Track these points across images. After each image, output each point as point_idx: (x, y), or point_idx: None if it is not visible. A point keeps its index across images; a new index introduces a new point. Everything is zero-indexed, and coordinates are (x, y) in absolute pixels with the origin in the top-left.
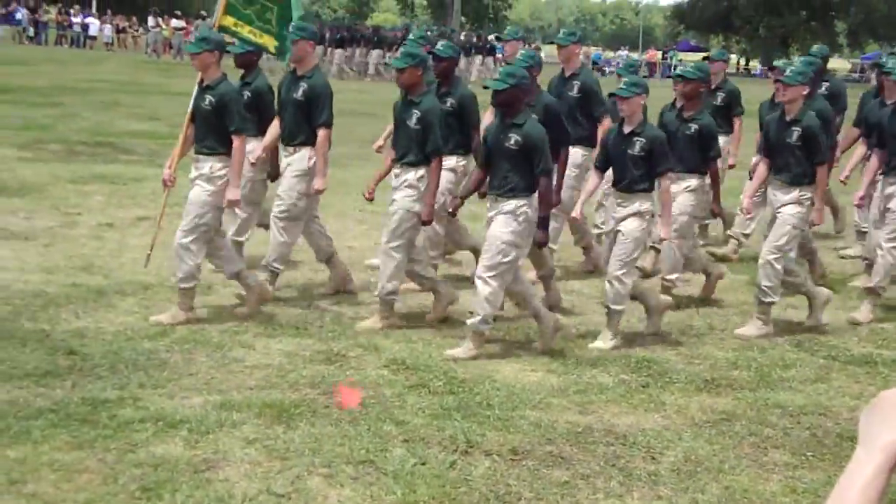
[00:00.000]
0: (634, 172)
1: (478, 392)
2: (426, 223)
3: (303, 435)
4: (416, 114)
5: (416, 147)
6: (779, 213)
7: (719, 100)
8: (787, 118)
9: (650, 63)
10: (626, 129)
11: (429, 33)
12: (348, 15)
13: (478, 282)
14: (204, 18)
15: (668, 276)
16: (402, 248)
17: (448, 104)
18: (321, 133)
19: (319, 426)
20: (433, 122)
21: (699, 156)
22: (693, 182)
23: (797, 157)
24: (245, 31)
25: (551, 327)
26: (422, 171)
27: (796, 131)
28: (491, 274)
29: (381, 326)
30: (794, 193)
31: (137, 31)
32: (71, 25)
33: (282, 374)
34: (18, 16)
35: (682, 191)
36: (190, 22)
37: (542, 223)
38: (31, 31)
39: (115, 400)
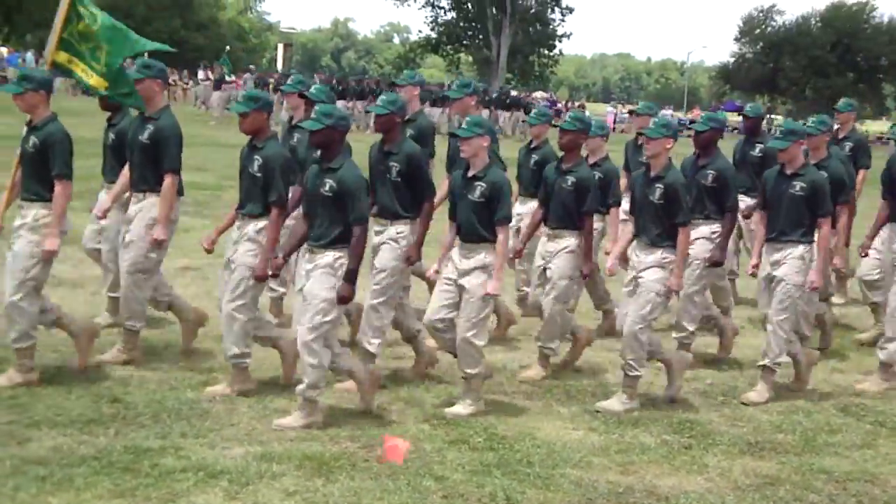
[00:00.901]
0: (656, 220)
1: (518, 449)
2: (258, 279)
3: (342, 488)
4: (257, 160)
5: (257, 196)
6: (640, 277)
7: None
8: (651, 174)
9: (694, 122)
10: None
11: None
12: (394, 70)
13: (301, 350)
14: (252, 72)
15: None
16: (247, 307)
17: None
18: (167, 179)
19: (359, 480)
20: (276, 170)
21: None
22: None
23: (659, 216)
24: (79, 69)
25: (366, 382)
26: (262, 223)
27: (659, 189)
28: (313, 336)
29: (235, 392)
30: (656, 255)
31: (187, 83)
32: None
33: (322, 426)
34: None
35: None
36: (240, 75)
37: (349, 276)
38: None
39: (157, 449)
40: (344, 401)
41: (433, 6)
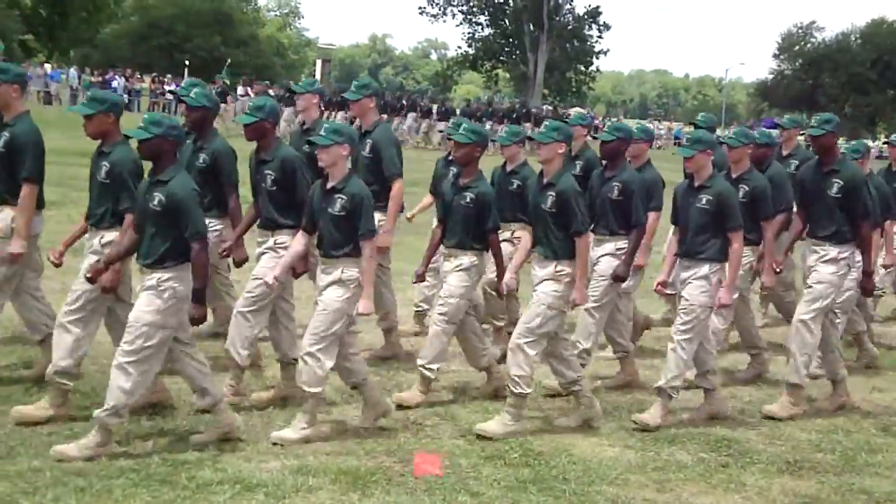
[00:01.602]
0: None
1: (554, 465)
2: (106, 291)
3: (378, 503)
4: (105, 166)
5: (106, 204)
6: (535, 290)
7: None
8: (544, 181)
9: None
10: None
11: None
12: (432, 87)
13: (113, 370)
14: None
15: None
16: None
17: (201, 159)
18: (25, 189)
19: (395, 494)
20: (123, 175)
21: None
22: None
23: (553, 226)
24: None
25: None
26: (112, 235)
27: (550, 196)
28: (131, 360)
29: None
30: (550, 268)
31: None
32: (164, 93)
33: (358, 440)
34: (115, 84)
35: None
36: (276, 89)
37: (196, 296)
38: (126, 99)
39: (194, 461)
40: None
41: (471, 22)
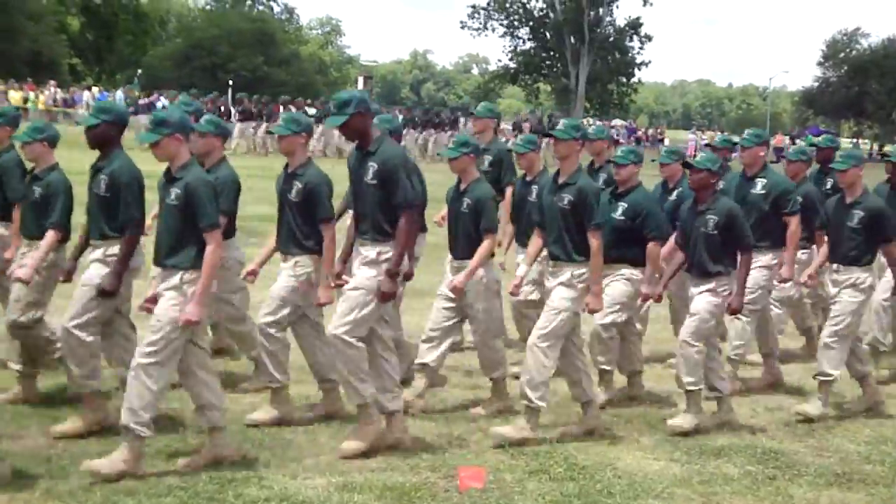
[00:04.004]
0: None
1: (599, 479)
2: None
3: None
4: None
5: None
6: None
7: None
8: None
9: (777, 148)
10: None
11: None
12: (473, 101)
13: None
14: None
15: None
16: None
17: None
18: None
19: None
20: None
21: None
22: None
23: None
24: None
25: None
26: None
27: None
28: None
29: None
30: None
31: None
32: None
33: (403, 456)
34: (159, 104)
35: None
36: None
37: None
38: None
39: (241, 479)
40: (424, 431)
41: (512, 36)
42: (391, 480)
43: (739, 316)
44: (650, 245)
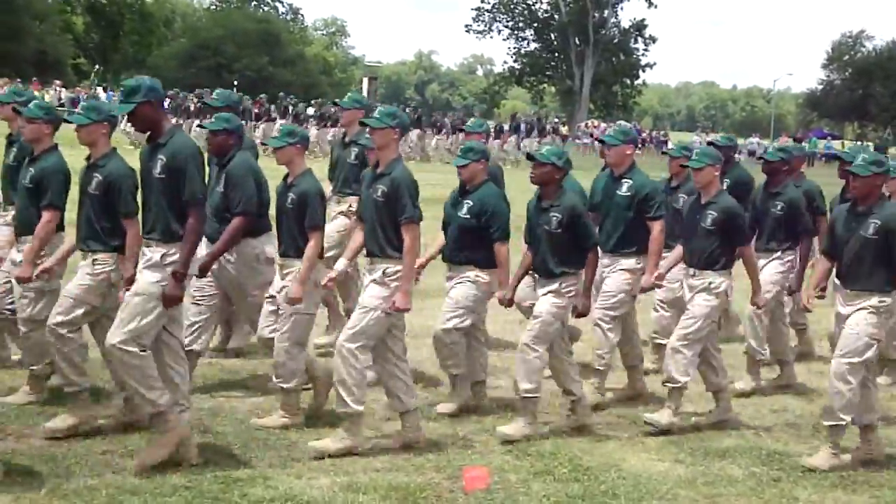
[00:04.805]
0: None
1: (603, 481)
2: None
3: None
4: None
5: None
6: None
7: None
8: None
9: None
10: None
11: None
12: (477, 103)
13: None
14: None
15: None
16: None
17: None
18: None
19: None
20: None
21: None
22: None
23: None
24: None
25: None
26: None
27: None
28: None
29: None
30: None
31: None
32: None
33: (407, 457)
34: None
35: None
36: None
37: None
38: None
39: (246, 478)
40: (429, 431)
41: (516, 38)
42: (396, 481)
43: (599, 323)
44: (496, 246)
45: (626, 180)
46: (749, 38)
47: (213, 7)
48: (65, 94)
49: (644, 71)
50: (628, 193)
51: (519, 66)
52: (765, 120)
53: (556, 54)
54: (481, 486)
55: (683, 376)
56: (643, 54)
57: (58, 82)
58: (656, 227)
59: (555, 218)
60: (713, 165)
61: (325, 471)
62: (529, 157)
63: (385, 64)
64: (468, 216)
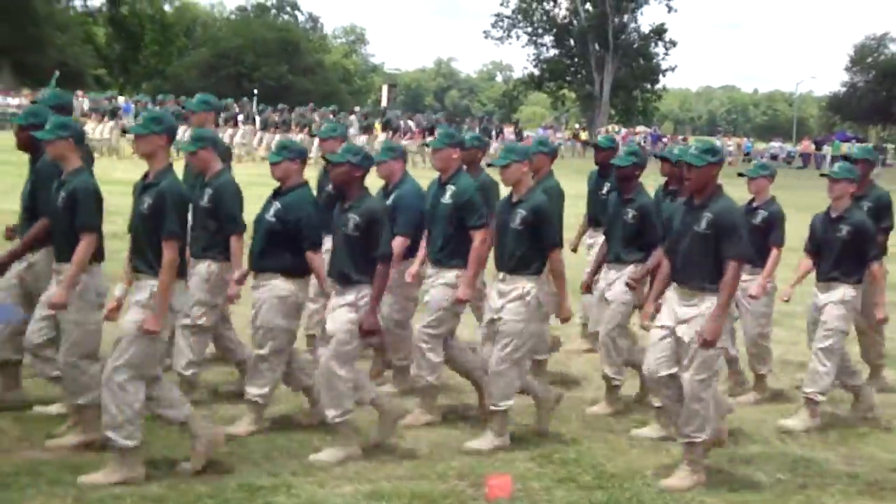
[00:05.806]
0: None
1: (628, 488)
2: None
3: None
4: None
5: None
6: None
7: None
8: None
9: (804, 154)
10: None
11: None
12: (498, 109)
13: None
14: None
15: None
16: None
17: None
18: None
19: None
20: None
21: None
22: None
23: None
24: None
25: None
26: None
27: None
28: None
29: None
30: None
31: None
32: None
33: (431, 464)
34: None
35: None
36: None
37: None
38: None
39: (269, 487)
40: (452, 438)
41: (536, 43)
42: (419, 488)
43: (420, 345)
44: (308, 254)
45: (450, 186)
46: (771, 41)
47: (233, 16)
48: (87, 104)
49: (664, 75)
50: (450, 200)
51: (538, 72)
52: (787, 123)
53: (576, 60)
54: (504, 494)
55: (505, 400)
56: (663, 58)
57: (79, 93)
58: (478, 237)
59: (352, 220)
60: (521, 161)
61: (349, 479)
62: (324, 158)
63: (404, 71)
64: (274, 219)
